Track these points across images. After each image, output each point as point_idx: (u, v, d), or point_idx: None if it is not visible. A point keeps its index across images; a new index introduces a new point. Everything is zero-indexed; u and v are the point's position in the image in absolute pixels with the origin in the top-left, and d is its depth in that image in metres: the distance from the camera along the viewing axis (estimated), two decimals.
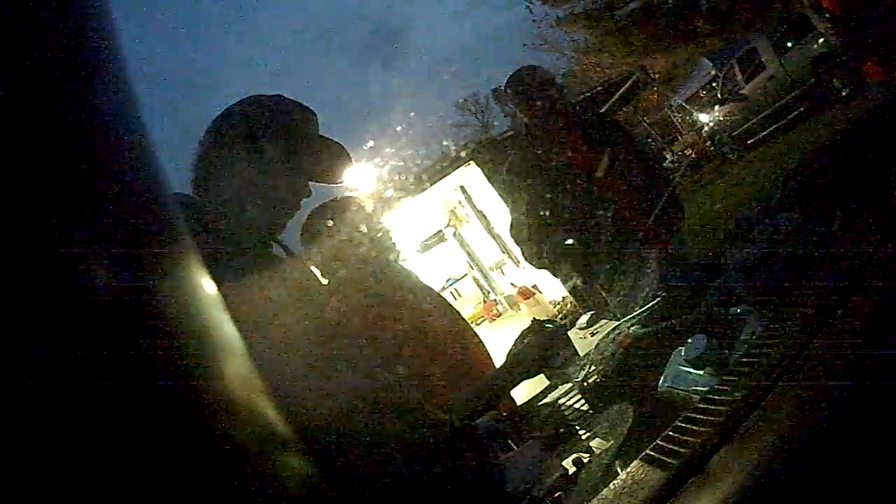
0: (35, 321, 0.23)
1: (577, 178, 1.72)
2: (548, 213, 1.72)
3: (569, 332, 1.24)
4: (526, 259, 1.83)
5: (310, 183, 0.99)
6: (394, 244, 1.53)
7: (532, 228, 1.74)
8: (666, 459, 0.56)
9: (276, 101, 0.98)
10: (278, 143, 0.93)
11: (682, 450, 0.56)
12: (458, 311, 1.62)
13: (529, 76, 1.76)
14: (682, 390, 0.81)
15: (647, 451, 0.61)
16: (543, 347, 1.16)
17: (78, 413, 0.23)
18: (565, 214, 1.71)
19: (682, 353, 0.82)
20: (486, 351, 1.52)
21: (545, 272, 1.88)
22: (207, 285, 0.29)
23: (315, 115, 1.00)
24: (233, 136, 0.92)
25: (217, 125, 0.94)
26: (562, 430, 1.07)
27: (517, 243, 1.83)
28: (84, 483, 0.24)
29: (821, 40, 6.47)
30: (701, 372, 0.79)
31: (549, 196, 1.72)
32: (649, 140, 10.74)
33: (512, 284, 7.65)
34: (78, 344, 0.23)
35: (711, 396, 0.65)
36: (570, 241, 1.69)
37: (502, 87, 1.86)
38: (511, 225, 1.83)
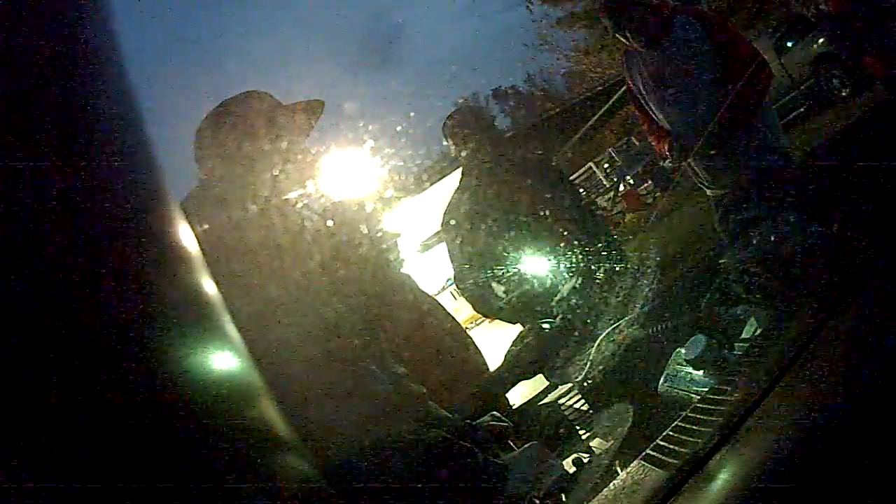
0: (33, 320, 0.23)
1: (513, 218, 1.65)
2: (490, 258, 1.63)
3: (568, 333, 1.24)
4: (475, 310, 1.73)
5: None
6: (395, 245, 1.53)
7: (477, 277, 1.66)
8: (666, 459, 0.56)
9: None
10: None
11: (682, 450, 0.56)
12: (453, 316, 1.61)
13: (462, 117, 1.73)
14: (682, 390, 0.81)
15: (647, 451, 0.61)
16: (541, 348, 1.16)
17: (69, 411, 0.23)
18: (507, 255, 1.63)
19: (682, 353, 0.82)
20: (481, 356, 1.52)
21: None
22: (206, 282, 0.29)
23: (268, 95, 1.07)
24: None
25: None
26: (562, 430, 1.07)
27: (463, 295, 1.72)
28: (82, 481, 0.23)
29: (821, 40, 6.45)
30: (701, 372, 0.78)
31: (489, 239, 1.65)
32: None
33: None
34: (73, 343, 0.23)
35: (711, 396, 0.65)
36: (516, 288, 1.59)
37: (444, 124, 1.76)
38: (455, 276, 1.74)
